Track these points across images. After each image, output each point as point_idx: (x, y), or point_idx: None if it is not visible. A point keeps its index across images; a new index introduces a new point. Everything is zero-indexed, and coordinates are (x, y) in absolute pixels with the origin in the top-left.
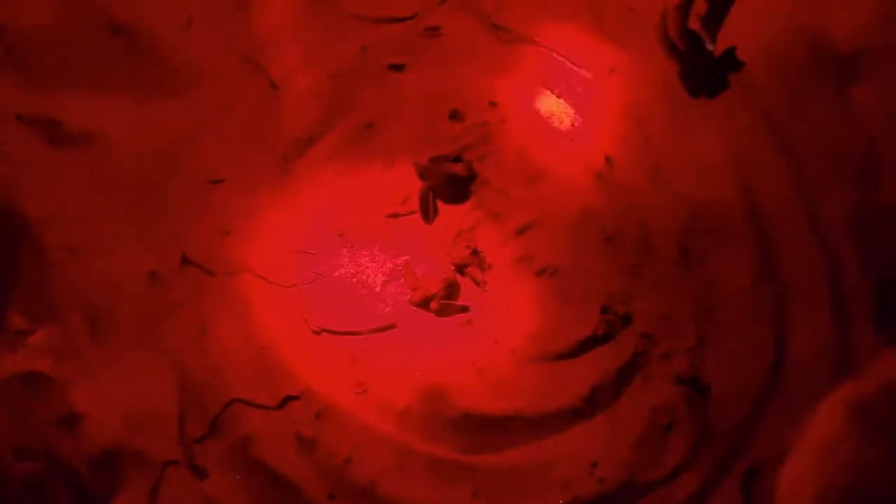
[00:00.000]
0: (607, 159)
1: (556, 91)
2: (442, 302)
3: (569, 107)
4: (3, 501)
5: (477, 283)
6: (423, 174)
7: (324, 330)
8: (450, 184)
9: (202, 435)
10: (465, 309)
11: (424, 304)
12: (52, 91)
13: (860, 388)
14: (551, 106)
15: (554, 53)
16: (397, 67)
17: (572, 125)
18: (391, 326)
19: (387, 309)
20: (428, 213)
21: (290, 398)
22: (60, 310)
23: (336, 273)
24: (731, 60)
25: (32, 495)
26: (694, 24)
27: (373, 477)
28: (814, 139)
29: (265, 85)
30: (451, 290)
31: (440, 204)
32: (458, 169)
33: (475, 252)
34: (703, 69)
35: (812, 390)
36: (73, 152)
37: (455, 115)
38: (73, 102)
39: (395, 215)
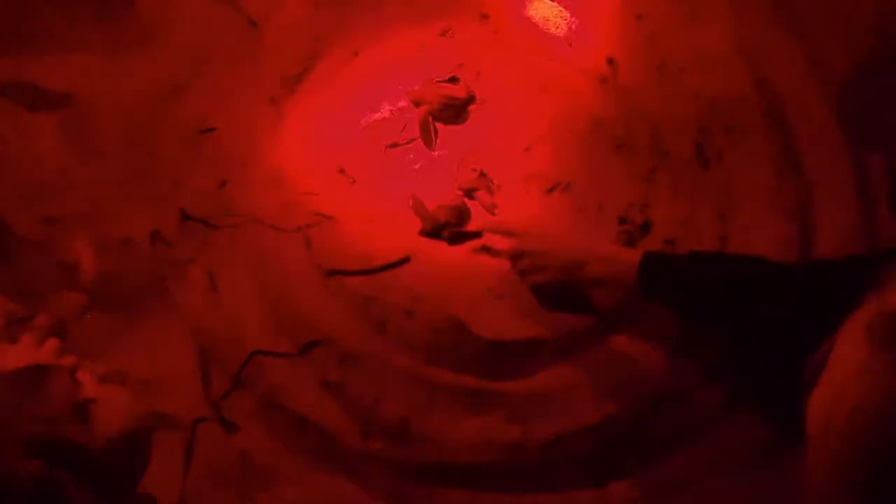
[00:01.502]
0: (610, 61)
1: None
2: (453, 230)
3: (563, 10)
4: None
5: (487, 209)
6: (418, 100)
7: (336, 271)
8: (448, 107)
9: (227, 390)
10: (477, 235)
11: (435, 233)
12: (26, 55)
13: (882, 306)
14: (544, 11)
15: None
16: None
17: (569, 29)
18: (405, 261)
19: (398, 243)
20: (430, 139)
21: (311, 344)
22: (58, 288)
23: (343, 212)
24: None
25: (43, 497)
26: None
27: (405, 414)
28: (828, 17)
29: (244, 23)
30: (462, 216)
31: (441, 128)
32: (456, 91)
33: (482, 175)
34: None
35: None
36: (55, 117)
37: (445, 33)
38: (48, 65)
39: (394, 145)
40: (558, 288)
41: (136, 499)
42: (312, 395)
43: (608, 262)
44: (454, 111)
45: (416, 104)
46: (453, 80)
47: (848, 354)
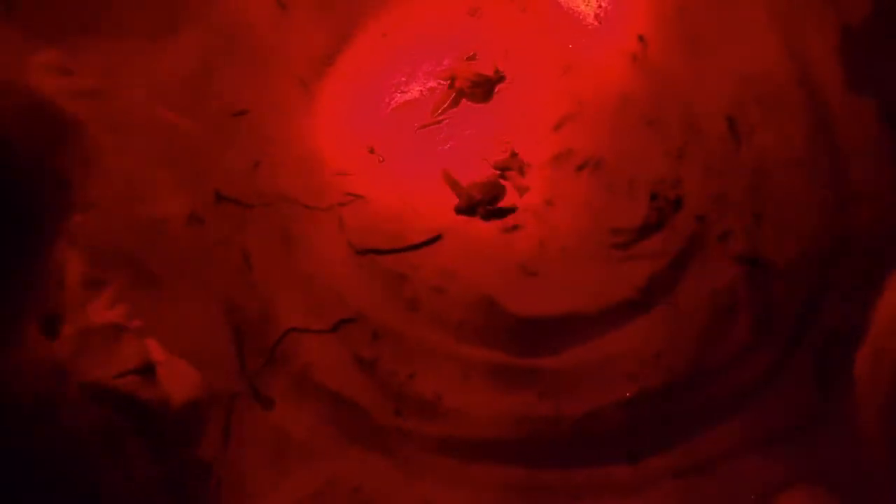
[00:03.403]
0: (641, 38)
1: None
2: (487, 208)
3: None
4: (74, 450)
5: (518, 189)
6: (448, 77)
7: (368, 250)
8: (477, 84)
9: (263, 367)
10: (511, 210)
11: (471, 211)
12: (61, 42)
13: None
14: None
15: None
16: None
17: (599, 5)
18: (436, 239)
19: (429, 222)
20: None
21: (344, 321)
22: (114, 263)
23: (374, 191)
24: None
25: (105, 444)
26: None
27: (437, 391)
28: None
29: (273, 6)
30: (495, 193)
31: (470, 107)
32: (485, 69)
33: (514, 154)
34: None
35: (878, 254)
36: (91, 102)
37: (474, 13)
38: (83, 50)
39: (425, 126)
40: None
41: (190, 464)
42: (346, 371)
43: None
44: (483, 89)
45: (446, 82)
46: (471, 58)
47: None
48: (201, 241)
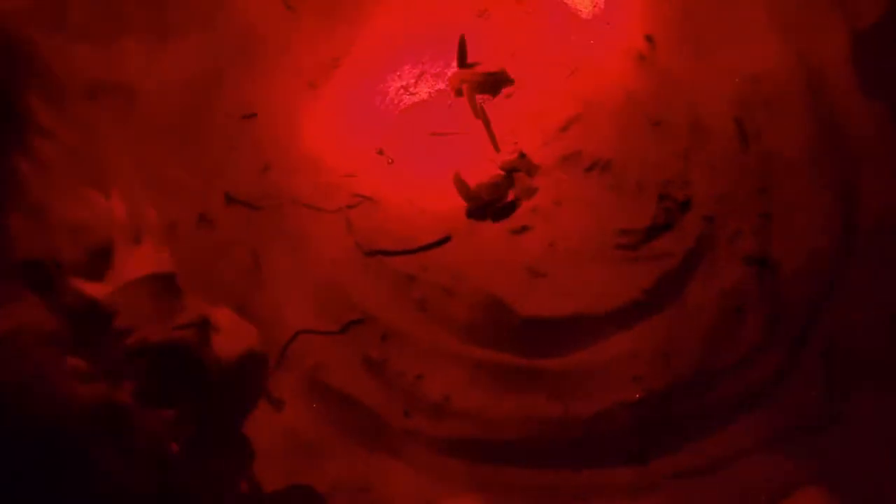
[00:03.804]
0: (648, 39)
1: None
2: (496, 209)
3: None
4: (67, 426)
5: (526, 191)
6: (459, 80)
7: (377, 251)
8: (483, 84)
9: (272, 368)
10: (517, 203)
11: (480, 214)
12: (70, 44)
13: None
14: None
15: None
16: None
17: (606, 7)
18: (445, 240)
19: (438, 223)
20: (478, 111)
21: (353, 322)
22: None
23: (382, 193)
24: None
25: (105, 419)
26: None
27: (445, 391)
28: None
29: (280, 8)
30: (502, 192)
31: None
32: (491, 68)
33: (522, 155)
34: None
35: (886, 255)
36: (102, 105)
37: (482, 14)
38: (92, 53)
39: (436, 134)
40: None
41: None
42: (354, 372)
43: None
44: (492, 86)
45: (457, 83)
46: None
47: None
48: (211, 243)
